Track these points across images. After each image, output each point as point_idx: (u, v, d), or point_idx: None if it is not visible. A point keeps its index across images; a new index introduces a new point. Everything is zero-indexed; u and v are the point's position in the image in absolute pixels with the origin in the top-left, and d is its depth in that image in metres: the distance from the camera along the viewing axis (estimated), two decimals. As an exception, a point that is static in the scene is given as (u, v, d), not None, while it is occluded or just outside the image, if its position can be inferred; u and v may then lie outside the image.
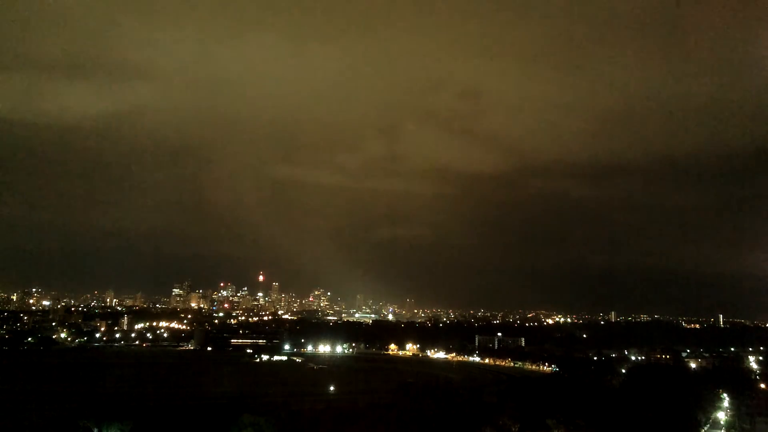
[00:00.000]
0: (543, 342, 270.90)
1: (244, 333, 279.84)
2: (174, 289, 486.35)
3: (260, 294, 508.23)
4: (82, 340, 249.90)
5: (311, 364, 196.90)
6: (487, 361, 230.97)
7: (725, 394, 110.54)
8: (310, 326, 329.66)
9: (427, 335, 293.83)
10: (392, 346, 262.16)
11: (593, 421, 73.22)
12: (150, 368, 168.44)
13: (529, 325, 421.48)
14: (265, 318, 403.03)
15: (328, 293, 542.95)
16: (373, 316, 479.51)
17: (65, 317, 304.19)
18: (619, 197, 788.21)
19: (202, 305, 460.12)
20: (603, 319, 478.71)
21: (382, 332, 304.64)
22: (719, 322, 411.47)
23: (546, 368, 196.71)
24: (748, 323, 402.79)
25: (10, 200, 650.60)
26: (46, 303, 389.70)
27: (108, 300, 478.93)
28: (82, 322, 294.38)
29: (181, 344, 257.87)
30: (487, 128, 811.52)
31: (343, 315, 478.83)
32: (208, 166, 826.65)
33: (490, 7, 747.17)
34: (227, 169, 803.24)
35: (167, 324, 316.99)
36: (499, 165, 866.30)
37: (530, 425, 71.89)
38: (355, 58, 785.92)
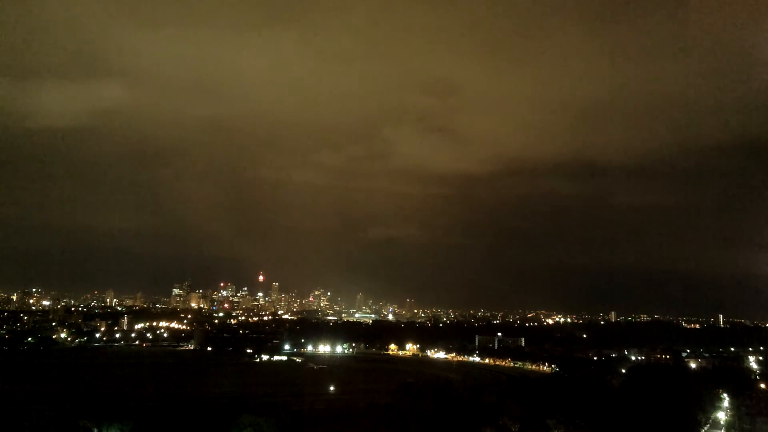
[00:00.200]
0: (543, 342, 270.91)
1: (244, 333, 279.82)
2: (174, 289, 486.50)
3: (260, 294, 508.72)
4: (82, 340, 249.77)
5: (311, 364, 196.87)
6: (487, 361, 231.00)
7: (725, 394, 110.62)
8: (310, 326, 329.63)
9: (427, 335, 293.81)
10: (392, 346, 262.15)
11: (593, 421, 73.25)
12: (150, 368, 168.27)
13: (529, 325, 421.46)
14: (265, 318, 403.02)
15: (328, 293, 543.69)
16: (373, 316, 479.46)
17: (65, 317, 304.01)
18: (619, 197, 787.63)
19: (202, 305, 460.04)
20: (603, 319, 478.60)
21: (382, 332, 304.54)
22: (719, 322, 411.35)
23: (546, 368, 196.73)
24: (748, 323, 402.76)
25: (10, 201, 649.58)
26: (46, 303, 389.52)
27: (108, 300, 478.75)
28: (82, 322, 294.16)
29: (181, 344, 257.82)
30: (479, 127, 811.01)
31: (343, 315, 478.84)
32: (208, 165, 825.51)
33: (468, 4, 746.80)
34: (226, 169, 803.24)
35: (167, 324, 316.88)
36: (493, 164, 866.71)
37: (530, 425, 71.91)
38: (336, 57, 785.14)
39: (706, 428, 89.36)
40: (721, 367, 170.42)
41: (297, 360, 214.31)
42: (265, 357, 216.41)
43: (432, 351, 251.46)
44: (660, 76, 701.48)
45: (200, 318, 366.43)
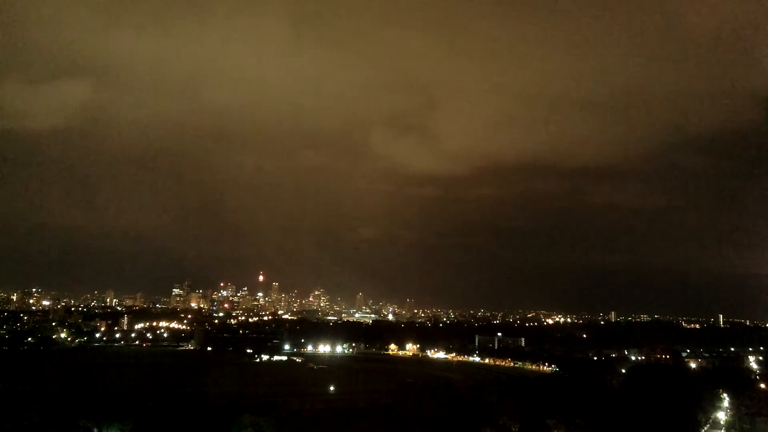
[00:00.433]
0: (543, 342, 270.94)
1: (244, 333, 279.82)
2: (174, 289, 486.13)
3: (260, 294, 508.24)
4: (82, 340, 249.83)
5: (311, 364, 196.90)
6: (487, 361, 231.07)
7: (725, 394, 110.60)
8: (310, 326, 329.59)
9: (427, 335, 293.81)
10: (392, 346, 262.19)
11: (593, 421, 73.30)
12: (150, 368, 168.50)
13: (529, 325, 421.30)
14: (265, 318, 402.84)
15: (328, 293, 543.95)
16: (373, 316, 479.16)
17: (65, 317, 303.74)
18: (619, 197, 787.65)
19: (202, 305, 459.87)
20: (603, 319, 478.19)
21: (382, 332, 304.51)
22: (719, 322, 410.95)
23: (546, 368, 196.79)
24: (748, 323, 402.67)
25: (11, 201, 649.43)
26: (46, 303, 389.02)
27: (108, 300, 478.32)
28: (82, 322, 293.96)
29: (181, 344, 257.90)
30: (459, 128, 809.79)
31: (343, 315, 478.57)
32: (207, 166, 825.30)
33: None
34: (224, 169, 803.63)
35: (167, 324, 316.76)
36: (489, 164, 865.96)
37: (530, 425, 71.99)
38: (324, 57, 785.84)
39: (706, 428, 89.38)
40: (721, 367, 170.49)
41: (297, 360, 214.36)
42: (265, 357, 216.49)
43: (432, 351, 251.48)
44: (643, 70, 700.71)
45: (200, 318, 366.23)
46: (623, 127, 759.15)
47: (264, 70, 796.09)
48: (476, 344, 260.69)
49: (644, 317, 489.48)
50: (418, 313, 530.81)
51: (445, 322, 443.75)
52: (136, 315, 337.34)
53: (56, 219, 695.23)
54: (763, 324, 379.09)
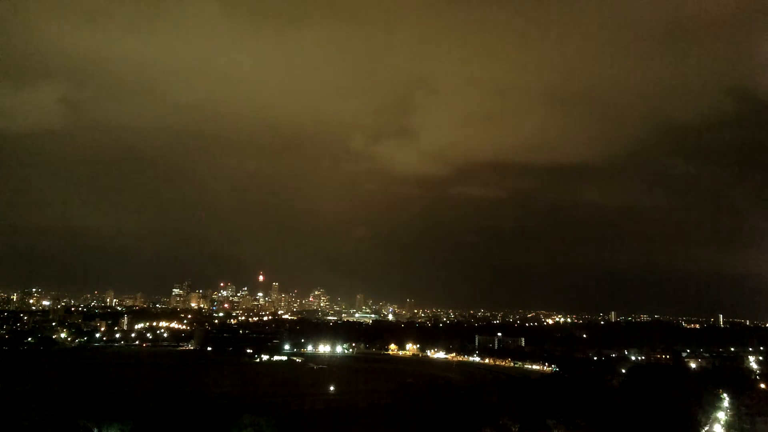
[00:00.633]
0: (543, 342, 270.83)
1: (244, 333, 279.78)
2: (174, 289, 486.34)
3: (260, 294, 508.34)
4: (82, 340, 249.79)
5: (311, 364, 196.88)
6: (487, 361, 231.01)
7: (725, 394, 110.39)
8: (310, 326, 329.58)
9: (427, 335, 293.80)
10: (392, 346, 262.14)
11: (593, 421, 73.29)
12: (150, 368, 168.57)
13: (529, 325, 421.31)
14: (265, 318, 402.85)
15: (328, 293, 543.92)
16: (373, 316, 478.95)
17: (65, 317, 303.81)
18: (619, 197, 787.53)
19: (202, 305, 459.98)
20: (603, 319, 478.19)
21: (382, 332, 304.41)
22: (719, 322, 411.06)
23: (546, 368, 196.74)
24: (748, 323, 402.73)
25: (10, 201, 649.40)
26: (46, 303, 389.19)
27: (108, 300, 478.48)
28: (82, 322, 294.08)
29: (181, 344, 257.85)
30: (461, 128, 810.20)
31: (343, 315, 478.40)
32: (206, 165, 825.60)
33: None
34: (223, 169, 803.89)
35: (167, 324, 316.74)
36: (475, 163, 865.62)
37: (530, 425, 71.96)
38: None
39: (706, 428, 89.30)
40: (721, 367, 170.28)
41: (297, 360, 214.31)
42: (265, 357, 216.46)
43: (432, 351, 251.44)
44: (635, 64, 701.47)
45: (200, 318, 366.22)
46: (609, 123, 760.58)
47: (247, 69, 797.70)
48: (476, 344, 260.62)
49: (644, 317, 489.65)
50: (418, 313, 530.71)
51: (445, 322, 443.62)
52: (136, 315, 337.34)
53: (56, 219, 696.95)
54: (763, 324, 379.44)
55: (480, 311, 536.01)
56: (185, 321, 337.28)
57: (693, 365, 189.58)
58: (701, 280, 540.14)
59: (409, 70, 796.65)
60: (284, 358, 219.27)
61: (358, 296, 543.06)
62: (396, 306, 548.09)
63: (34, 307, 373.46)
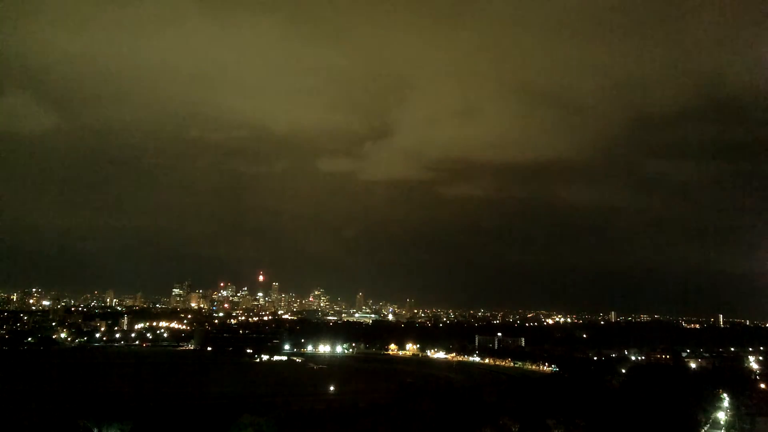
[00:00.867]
0: (543, 342, 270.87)
1: (244, 333, 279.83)
2: (174, 289, 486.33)
3: (260, 294, 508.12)
4: (82, 340, 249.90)
5: (311, 364, 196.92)
6: (487, 361, 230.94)
7: (725, 394, 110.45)
8: (310, 326, 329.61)
9: (427, 335, 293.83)
10: (392, 346, 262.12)
11: (593, 421, 73.20)
12: (150, 368, 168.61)
13: (529, 325, 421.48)
14: (265, 318, 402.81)
15: (328, 293, 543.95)
16: (373, 316, 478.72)
17: (65, 317, 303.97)
18: (618, 197, 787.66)
19: (202, 305, 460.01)
20: (603, 319, 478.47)
21: (382, 332, 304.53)
22: (719, 322, 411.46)
23: (546, 368, 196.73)
24: (748, 323, 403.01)
25: (10, 201, 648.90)
26: (46, 303, 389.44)
27: (108, 300, 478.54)
28: (82, 322, 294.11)
29: (181, 344, 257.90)
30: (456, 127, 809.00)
31: (343, 315, 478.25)
32: (207, 165, 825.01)
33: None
34: (223, 169, 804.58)
35: (167, 324, 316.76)
36: (463, 163, 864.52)
37: (530, 425, 71.84)
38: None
39: (706, 428, 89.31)
40: (721, 367, 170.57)
41: (297, 360, 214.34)
42: (265, 357, 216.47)
43: (432, 351, 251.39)
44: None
45: (200, 318, 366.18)
46: (596, 121, 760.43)
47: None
48: (476, 344, 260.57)
49: (644, 317, 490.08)
50: (418, 313, 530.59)
51: (445, 322, 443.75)
52: (136, 315, 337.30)
53: (56, 219, 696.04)
54: (763, 324, 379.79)
55: (480, 311, 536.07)
56: (185, 321, 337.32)
57: (693, 365, 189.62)
58: (701, 280, 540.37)
59: (389, 70, 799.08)
60: (284, 358, 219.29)
61: (358, 296, 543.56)
62: (396, 306, 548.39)
63: (34, 307, 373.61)
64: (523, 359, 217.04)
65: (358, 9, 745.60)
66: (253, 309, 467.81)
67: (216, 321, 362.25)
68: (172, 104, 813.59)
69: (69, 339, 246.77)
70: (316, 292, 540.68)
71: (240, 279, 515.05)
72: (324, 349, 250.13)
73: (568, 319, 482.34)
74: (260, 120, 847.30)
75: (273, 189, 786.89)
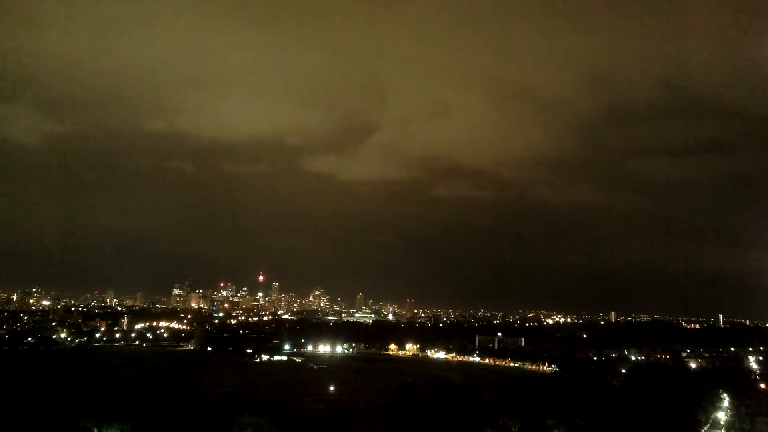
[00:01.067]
0: (543, 342, 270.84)
1: (244, 333, 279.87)
2: (174, 289, 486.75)
3: (260, 294, 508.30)
4: (82, 340, 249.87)
5: (311, 364, 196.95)
6: (487, 361, 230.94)
7: (725, 394, 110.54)
8: (310, 326, 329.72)
9: (427, 335, 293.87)
10: (392, 346, 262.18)
11: (593, 421, 73.29)
12: (150, 368, 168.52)
13: (529, 325, 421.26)
14: (265, 318, 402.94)
15: (328, 293, 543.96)
16: (373, 316, 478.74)
17: (65, 317, 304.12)
18: (619, 197, 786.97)
19: (202, 305, 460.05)
20: (603, 319, 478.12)
21: (382, 332, 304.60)
22: (719, 322, 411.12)
23: (546, 368, 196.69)
24: (748, 323, 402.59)
25: (10, 201, 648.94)
26: (46, 303, 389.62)
27: (108, 300, 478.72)
28: (82, 322, 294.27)
29: (181, 344, 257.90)
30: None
31: (343, 315, 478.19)
32: (206, 166, 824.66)
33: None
34: (223, 169, 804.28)
35: (167, 324, 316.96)
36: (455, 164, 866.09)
37: (530, 425, 71.93)
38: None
39: (706, 428, 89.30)
40: (721, 367, 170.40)
41: (297, 360, 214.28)
42: (265, 357, 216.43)
43: (432, 351, 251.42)
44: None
45: (200, 318, 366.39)
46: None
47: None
48: (476, 344, 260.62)
49: (644, 317, 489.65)
50: (418, 313, 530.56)
51: (445, 322, 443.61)
52: (136, 315, 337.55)
53: (56, 219, 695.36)
54: (763, 324, 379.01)
55: (480, 311, 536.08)
56: (185, 321, 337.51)
57: (693, 365, 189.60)
58: (701, 280, 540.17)
59: (368, 69, 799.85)
60: (284, 358, 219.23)
61: (358, 296, 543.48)
62: (396, 306, 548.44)
63: (34, 307, 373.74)
64: (523, 359, 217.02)
65: (336, 9, 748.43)
66: (253, 309, 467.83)
67: (216, 321, 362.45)
68: (164, 106, 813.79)
69: (69, 339, 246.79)
70: (316, 292, 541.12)
71: (240, 279, 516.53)
72: (324, 349, 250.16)
73: (568, 319, 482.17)
74: (246, 120, 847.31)
75: (273, 189, 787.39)
